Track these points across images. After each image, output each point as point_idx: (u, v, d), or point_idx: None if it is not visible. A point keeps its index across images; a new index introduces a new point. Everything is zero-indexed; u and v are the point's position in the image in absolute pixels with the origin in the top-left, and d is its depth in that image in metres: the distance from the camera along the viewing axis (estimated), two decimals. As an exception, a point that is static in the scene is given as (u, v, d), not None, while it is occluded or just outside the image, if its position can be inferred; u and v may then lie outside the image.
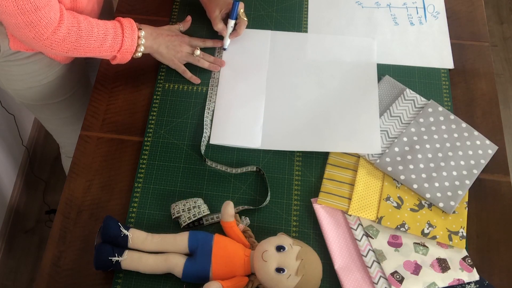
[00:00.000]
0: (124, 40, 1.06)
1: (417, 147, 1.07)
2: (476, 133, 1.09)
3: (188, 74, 1.17)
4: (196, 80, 1.16)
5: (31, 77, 1.18)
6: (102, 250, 0.91)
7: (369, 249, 0.96)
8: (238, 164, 1.07)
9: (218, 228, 0.98)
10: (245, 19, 1.20)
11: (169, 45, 1.15)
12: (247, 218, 1.00)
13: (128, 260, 0.92)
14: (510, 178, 1.06)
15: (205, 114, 1.12)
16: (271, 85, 1.17)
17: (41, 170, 2.09)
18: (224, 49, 1.21)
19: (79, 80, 1.30)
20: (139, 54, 1.11)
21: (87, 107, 1.15)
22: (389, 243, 0.97)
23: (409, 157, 1.05)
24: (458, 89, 1.17)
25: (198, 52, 1.17)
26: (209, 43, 1.20)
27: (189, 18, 1.23)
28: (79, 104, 1.33)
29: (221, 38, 1.22)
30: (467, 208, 1.02)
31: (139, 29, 1.09)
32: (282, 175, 1.06)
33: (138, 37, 1.08)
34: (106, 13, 1.26)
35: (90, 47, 1.03)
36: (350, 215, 1.00)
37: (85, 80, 1.35)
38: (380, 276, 0.94)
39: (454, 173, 1.04)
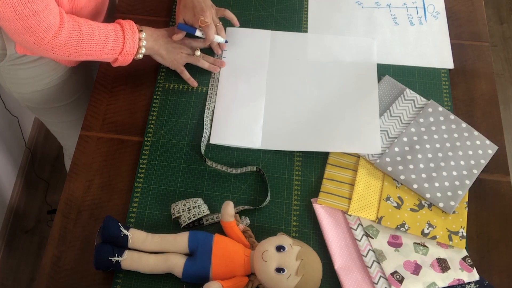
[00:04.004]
0: (126, 42, 1.05)
1: (417, 147, 1.07)
2: (476, 133, 1.09)
3: (186, 75, 1.16)
4: (193, 82, 1.16)
5: (37, 81, 1.17)
6: (102, 250, 0.91)
7: (369, 249, 0.96)
8: (238, 164, 1.07)
9: (218, 228, 0.98)
10: (217, 24, 1.18)
11: (169, 47, 1.15)
12: (247, 218, 1.00)
13: (128, 260, 0.91)
14: (510, 178, 1.06)
15: (205, 114, 1.12)
16: (271, 85, 1.17)
17: (41, 170, 2.09)
18: (226, 42, 1.20)
19: (84, 83, 1.30)
20: (140, 56, 1.11)
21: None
22: (389, 243, 0.97)
23: (409, 157, 1.05)
24: (458, 89, 1.17)
25: (198, 53, 1.17)
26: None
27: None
28: (83, 108, 1.32)
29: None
30: (467, 208, 1.02)
31: (140, 30, 1.09)
32: (282, 175, 1.06)
33: (139, 39, 1.08)
34: (107, 13, 1.26)
35: (91, 50, 1.03)
36: (350, 215, 1.00)
37: (90, 83, 1.34)
38: (380, 276, 0.94)
39: (454, 173, 1.04)
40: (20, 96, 1.24)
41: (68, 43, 0.99)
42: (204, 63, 1.17)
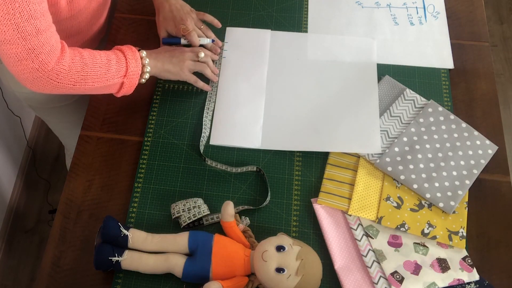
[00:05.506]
0: (128, 62, 1.02)
1: (417, 147, 1.07)
2: (476, 133, 1.09)
3: (200, 83, 1.13)
4: (208, 88, 1.15)
5: None
6: (102, 250, 0.91)
7: (369, 249, 0.96)
8: (238, 164, 1.07)
9: (218, 228, 0.98)
10: (201, 27, 1.18)
11: (173, 59, 1.11)
12: (247, 218, 1.00)
13: (128, 260, 0.92)
14: (510, 178, 1.06)
15: (204, 114, 1.12)
16: (271, 85, 1.17)
17: (42, 170, 2.09)
18: (213, 41, 1.19)
19: None
20: (147, 76, 1.07)
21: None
22: (389, 243, 0.97)
23: (409, 157, 1.05)
24: (458, 89, 1.17)
25: (202, 54, 1.13)
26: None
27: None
28: (85, 108, 1.32)
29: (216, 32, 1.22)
30: (467, 208, 1.02)
31: (139, 50, 1.06)
32: (282, 175, 1.06)
33: (141, 58, 1.05)
34: (108, 14, 1.25)
35: (96, 75, 0.99)
36: (350, 215, 1.00)
37: None
38: (380, 276, 0.94)
39: (454, 173, 1.04)
40: (22, 96, 1.24)
41: (72, 68, 0.96)
42: (209, 61, 1.15)
